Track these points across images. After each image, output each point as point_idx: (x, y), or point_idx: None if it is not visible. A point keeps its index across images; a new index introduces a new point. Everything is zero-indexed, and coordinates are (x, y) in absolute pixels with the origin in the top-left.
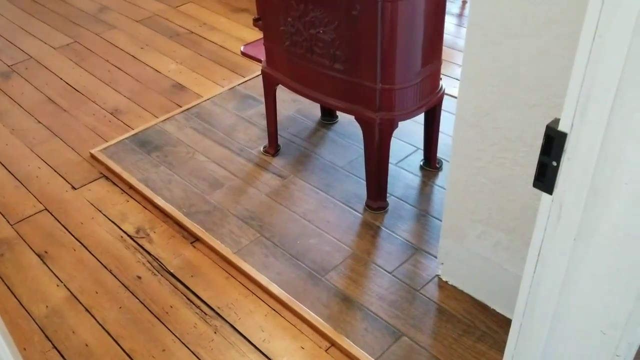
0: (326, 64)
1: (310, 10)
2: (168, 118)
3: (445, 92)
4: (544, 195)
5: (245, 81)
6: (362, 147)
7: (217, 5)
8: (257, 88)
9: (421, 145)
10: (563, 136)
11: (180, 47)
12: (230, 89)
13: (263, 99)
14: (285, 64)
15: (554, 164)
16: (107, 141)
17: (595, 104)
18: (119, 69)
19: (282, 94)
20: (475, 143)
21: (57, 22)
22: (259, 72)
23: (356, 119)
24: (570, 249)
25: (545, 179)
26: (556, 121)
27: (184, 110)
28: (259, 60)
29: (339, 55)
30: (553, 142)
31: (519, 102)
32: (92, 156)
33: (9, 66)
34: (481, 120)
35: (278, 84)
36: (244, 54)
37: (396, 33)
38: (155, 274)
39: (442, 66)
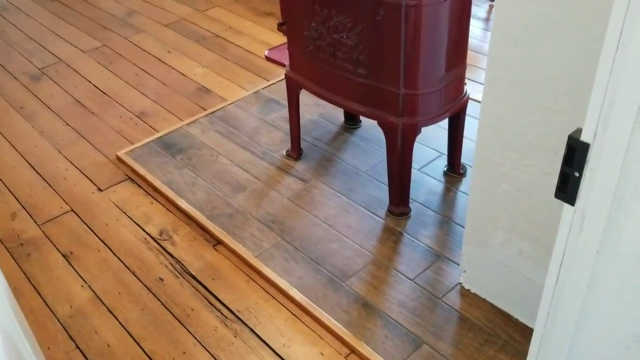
0: (349, 68)
1: (334, 15)
2: (193, 121)
3: (471, 97)
4: (566, 206)
5: (269, 85)
6: (386, 151)
7: (243, 9)
8: (281, 92)
9: (445, 150)
10: (585, 146)
11: (206, 50)
12: (255, 92)
13: (286, 103)
14: (308, 69)
15: (576, 174)
16: (133, 144)
17: (618, 113)
18: (145, 72)
19: (306, 98)
20: (499, 149)
21: (87, 25)
22: (283, 76)
23: (379, 123)
24: (593, 260)
25: (567, 189)
26: (578, 131)
27: (209, 114)
28: (283, 65)
29: (362, 60)
30: (575, 153)
31: (543, 109)
32: (118, 158)
33: (39, 69)
34: (505, 126)
35: (301, 88)
36: (268, 58)
37: (420, 38)
38: (177, 277)
39: (468, 70)
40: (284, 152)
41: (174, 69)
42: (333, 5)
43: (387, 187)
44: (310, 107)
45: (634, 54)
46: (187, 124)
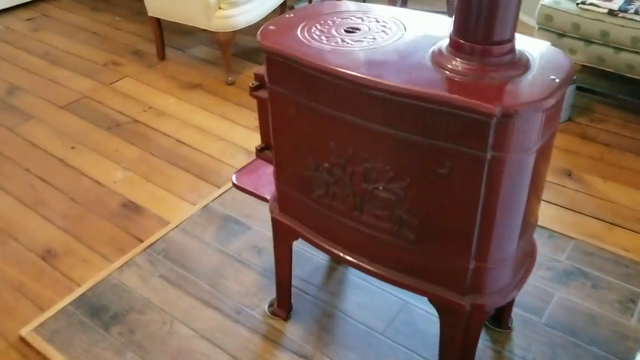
0: (386, 228)
1: (364, 160)
2: (126, 263)
3: None
4: None
5: (222, 194)
6: (399, 294)
7: (161, 81)
8: (240, 205)
9: None
10: None
11: (124, 143)
12: (203, 207)
13: (249, 222)
14: (312, 216)
15: None
16: (42, 310)
17: None
18: (45, 182)
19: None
20: None
21: None
22: (236, 181)
23: (431, 301)
24: None
25: None
26: None
27: (147, 247)
28: (264, 199)
29: (408, 220)
30: None
31: None
32: (23, 340)
33: None
34: None
35: (298, 238)
36: (238, 187)
37: (503, 197)
38: None
39: None
40: (267, 307)
41: (84, 174)
42: (363, 146)
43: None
44: None
45: None
46: (119, 267)
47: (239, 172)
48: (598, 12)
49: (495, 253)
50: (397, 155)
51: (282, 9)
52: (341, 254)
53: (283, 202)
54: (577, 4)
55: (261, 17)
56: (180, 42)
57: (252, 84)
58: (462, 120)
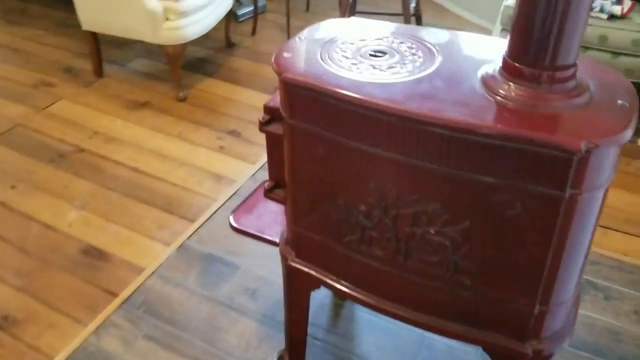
0: (435, 274)
1: (414, 202)
2: (102, 324)
3: None
4: None
5: (197, 229)
6: (414, 328)
7: (103, 102)
8: (221, 240)
9: None
10: None
11: (73, 177)
12: (179, 247)
13: (236, 260)
14: (340, 263)
15: None
16: None
17: None
18: None
19: (263, 248)
20: None
21: None
22: (214, 209)
23: (486, 349)
24: None
25: None
26: None
27: (123, 303)
28: (272, 243)
29: (464, 265)
30: None
31: None
32: None
33: None
34: None
35: (319, 287)
36: (239, 231)
37: (571, 235)
38: None
39: None
40: (275, 359)
41: (32, 218)
42: (411, 187)
43: None
44: (274, 264)
45: None
46: (94, 331)
47: (235, 212)
48: None
49: (558, 295)
50: (454, 196)
51: (227, 17)
52: (376, 303)
53: (301, 248)
54: None
55: (211, 27)
56: (117, 56)
57: (263, 118)
58: (540, 157)
